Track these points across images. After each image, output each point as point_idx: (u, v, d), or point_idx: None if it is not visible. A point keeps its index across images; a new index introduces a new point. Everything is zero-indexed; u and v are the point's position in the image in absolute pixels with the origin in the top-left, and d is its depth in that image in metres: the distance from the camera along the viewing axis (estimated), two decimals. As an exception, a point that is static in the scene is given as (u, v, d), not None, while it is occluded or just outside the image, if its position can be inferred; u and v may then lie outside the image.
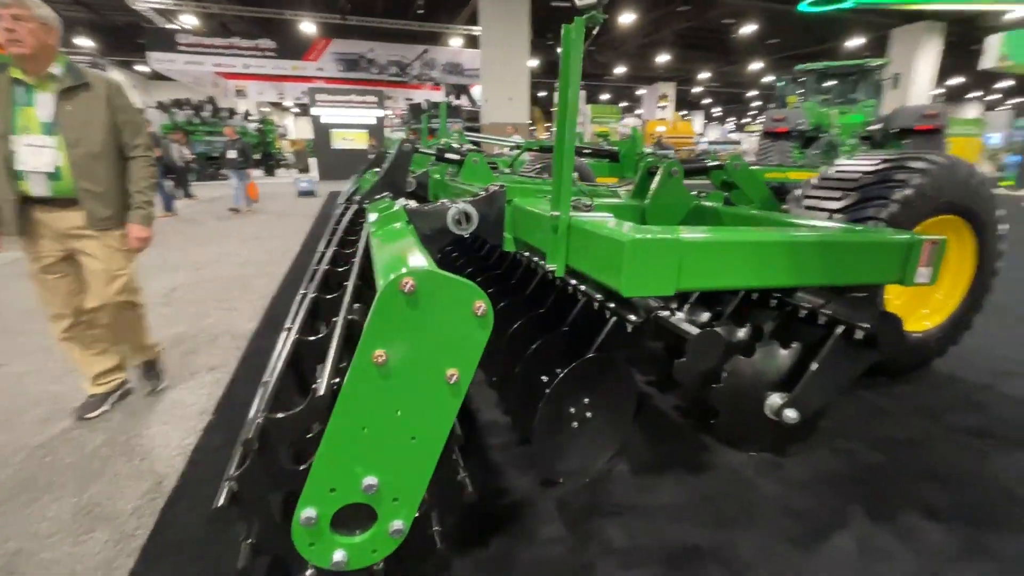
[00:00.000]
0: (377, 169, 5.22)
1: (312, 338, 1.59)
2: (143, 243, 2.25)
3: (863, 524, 1.58)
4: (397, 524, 1.18)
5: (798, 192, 2.47)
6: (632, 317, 1.68)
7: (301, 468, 1.21)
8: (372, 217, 2.32)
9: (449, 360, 1.10)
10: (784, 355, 1.83)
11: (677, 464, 1.90)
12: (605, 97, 27.23)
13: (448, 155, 3.49)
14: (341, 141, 16.71)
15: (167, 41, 17.56)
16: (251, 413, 1.44)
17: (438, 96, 21.33)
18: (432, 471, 1.18)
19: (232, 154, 9.56)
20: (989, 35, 10.59)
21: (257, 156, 17.70)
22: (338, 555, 1.16)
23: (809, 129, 9.12)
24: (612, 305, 1.80)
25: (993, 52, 10.48)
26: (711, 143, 24.24)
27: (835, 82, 10.22)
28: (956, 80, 24.18)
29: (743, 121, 37.73)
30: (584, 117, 20.42)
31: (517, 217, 2.14)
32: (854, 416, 2.22)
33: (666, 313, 1.65)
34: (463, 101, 19.99)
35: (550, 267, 1.67)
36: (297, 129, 30.30)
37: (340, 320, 1.59)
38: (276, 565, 1.33)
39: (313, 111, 16.46)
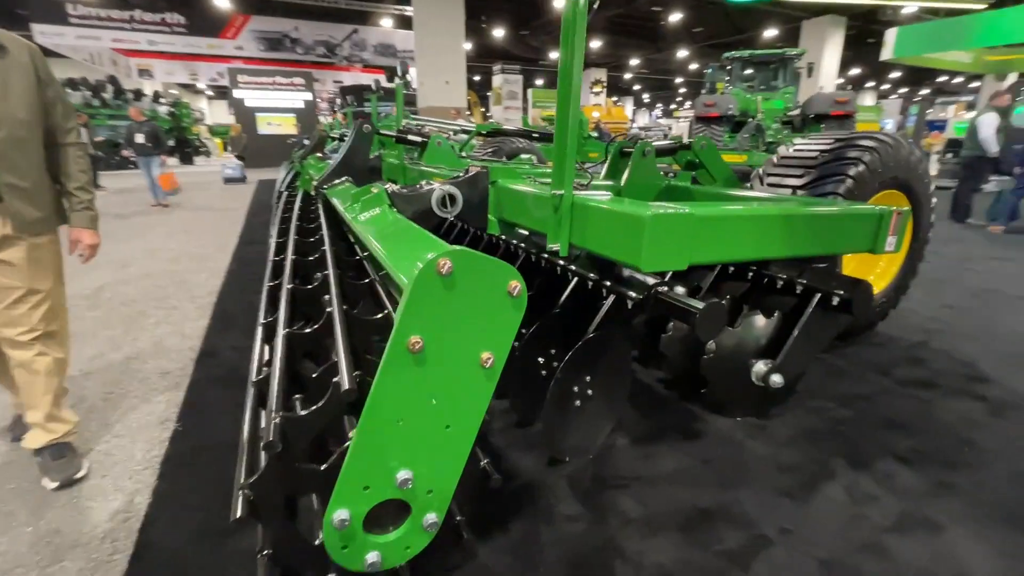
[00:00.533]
0: (320, 154, 4.93)
1: (308, 331, 1.48)
2: (94, 251, 1.90)
3: (846, 473, 1.72)
4: (431, 517, 1.13)
5: (760, 170, 2.61)
6: (632, 294, 1.71)
7: (323, 468, 1.13)
8: (341, 202, 2.17)
9: (484, 343, 1.07)
10: (764, 324, 1.94)
11: (671, 433, 1.97)
12: (540, 82, 27.37)
13: (410, 137, 3.35)
14: (267, 126, 15.64)
15: (55, 12, 15.50)
16: (246, 415, 1.33)
17: (367, 79, 20.46)
18: (466, 460, 1.14)
19: (140, 138, 8.47)
20: (886, 30, 11.72)
21: (171, 143, 16.12)
22: (372, 557, 1.09)
23: (737, 114, 9.67)
24: (609, 283, 1.82)
25: (889, 46, 11.65)
26: (641, 128, 25.06)
27: (759, 70, 10.87)
28: (855, 70, 26.50)
29: (671, 107, 39.30)
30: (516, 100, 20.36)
31: (503, 198, 2.09)
32: (818, 377, 2.41)
33: (664, 288, 1.68)
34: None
35: (552, 246, 1.65)
36: (212, 113, 27.96)
37: (336, 311, 1.49)
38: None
39: (236, 93, 15.23)
